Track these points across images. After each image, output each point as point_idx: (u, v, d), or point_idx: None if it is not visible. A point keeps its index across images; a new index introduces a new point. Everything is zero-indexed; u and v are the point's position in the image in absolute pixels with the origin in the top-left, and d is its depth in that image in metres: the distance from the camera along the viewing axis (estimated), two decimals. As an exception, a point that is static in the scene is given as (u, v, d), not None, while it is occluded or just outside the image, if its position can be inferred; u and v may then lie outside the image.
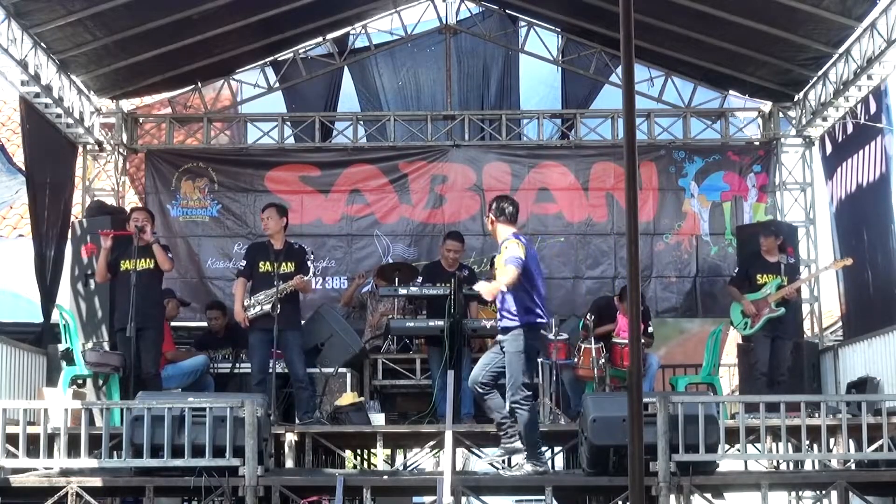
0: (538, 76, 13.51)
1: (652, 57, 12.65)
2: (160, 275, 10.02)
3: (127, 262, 9.68)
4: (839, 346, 11.64)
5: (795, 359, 11.38)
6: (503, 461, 8.40)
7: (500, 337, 8.06)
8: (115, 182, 12.96)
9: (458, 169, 13.04)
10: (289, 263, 9.67)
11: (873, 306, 11.14)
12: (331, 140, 13.31)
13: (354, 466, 12.79)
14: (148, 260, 9.74)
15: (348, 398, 9.89)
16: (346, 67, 13.40)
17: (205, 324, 11.86)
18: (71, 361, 10.10)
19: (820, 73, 11.89)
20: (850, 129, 11.65)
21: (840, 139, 11.94)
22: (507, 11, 13.35)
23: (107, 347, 10.62)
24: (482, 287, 8.13)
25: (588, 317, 10.38)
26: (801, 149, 13.13)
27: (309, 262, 9.78)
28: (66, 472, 8.05)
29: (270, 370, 9.50)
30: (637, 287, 4.72)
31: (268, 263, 9.66)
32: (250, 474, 7.76)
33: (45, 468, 8.19)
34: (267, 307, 9.48)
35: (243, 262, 9.94)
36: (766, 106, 13.06)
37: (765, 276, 10.68)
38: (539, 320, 8.07)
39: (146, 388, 9.25)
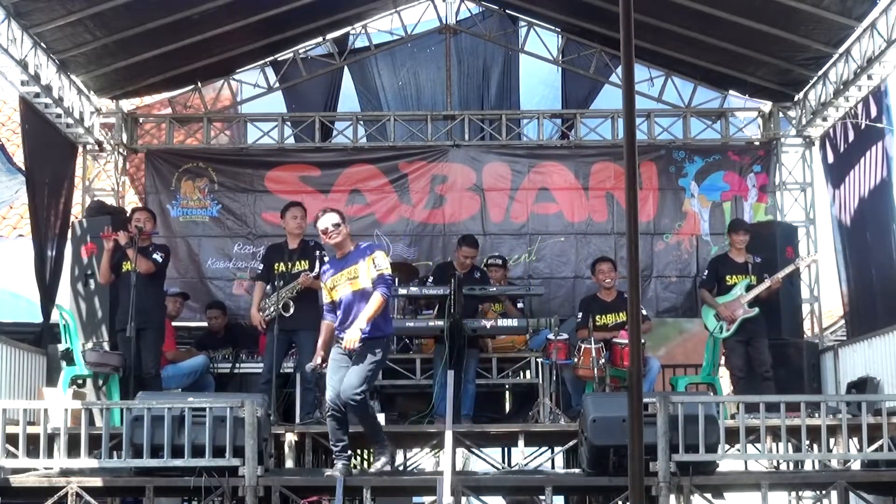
0: (538, 76, 13.51)
1: (652, 57, 12.65)
2: (161, 276, 10.05)
3: (128, 262, 9.72)
4: (839, 346, 11.63)
5: (795, 359, 11.39)
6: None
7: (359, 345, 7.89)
8: (115, 182, 12.95)
9: (458, 169, 13.03)
10: (302, 262, 9.68)
11: (878, 306, 11.14)
12: (331, 140, 13.30)
13: (354, 466, 12.77)
14: (145, 263, 9.81)
15: (348, 398, 9.88)
16: (346, 67, 13.40)
17: (205, 324, 11.88)
18: (71, 361, 10.10)
19: (820, 73, 11.89)
20: (851, 134, 11.63)
21: (842, 145, 11.91)
22: (507, 11, 13.34)
23: (107, 347, 10.62)
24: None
25: (579, 317, 10.52)
26: (801, 149, 13.12)
27: (324, 257, 9.77)
28: (66, 472, 8.06)
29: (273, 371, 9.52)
30: (637, 287, 4.71)
31: (281, 264, 9.69)
32: (250, 474, 7.76)
33: (45, 468, 8.20)
34: (280, 308, 9.50)
35: (260, 266, 10.00)
36: (766, 106, 13.06)
37: (734, 277, 10.70)
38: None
39: (146, 388, 9.28)
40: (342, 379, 7.89)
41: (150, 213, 10.35)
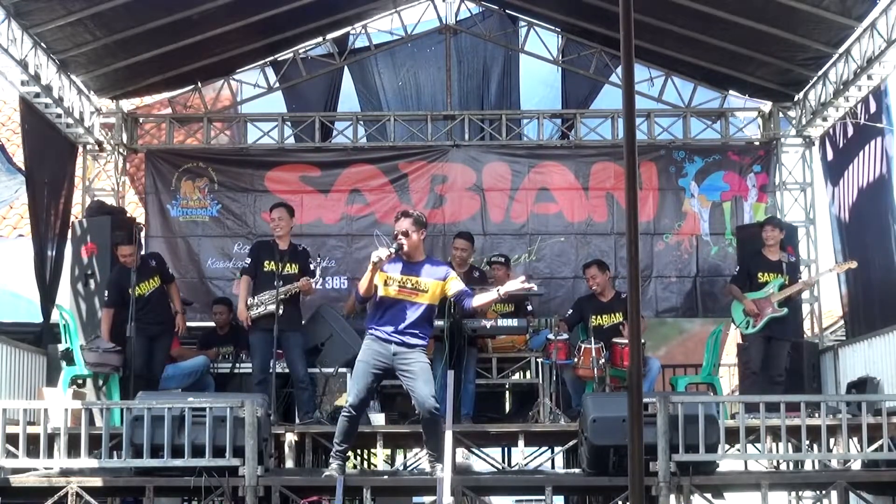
0: (538, 76, 13.51)
1: (652, 57, 12.65)
2: (164, 284, 10.31)
3: (141, 286, 10.02)
4: (839, 346, 11.63)
5: (795, 359, 11.36)
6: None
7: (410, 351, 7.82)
8: (115, 182, 12.96)
9: (458, 169, 13.04)
10: (293, 265, 9.72)
11: (876, 306, 11.14)
12: (331, 140, 13.31)
13: (354, 466, 12.79)
14: (153, 279, 10.15)
15: (348, 398, 9.90)
16: (346, 67, 13.40)
17: (206, 323, 11.91)
18: (71, 361, 10.12)
19: (820, 73, 11.89)
20: (850, 131, 11.63)
21: (841, 143, 11.91)
22: (507, 11, 13.34)
23: (107, 346, 10.61)
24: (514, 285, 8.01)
25: (567, 314, 10.56)
26: (801, 149, 13.12)
27: (312, 265, 9.84)
28: (66, 472, 8.06)
29: (271, 370, 9.51)
30: (637, 287, 4.72)
31: (272, 263, 9.69)
32: (250, 474, 7.76)
33: (45, 468, 8.20)
34: (271, 307, 9.49)
35: (248, 261, 9.99)
36: (766, 106, 13.06)
37: (766, 274, 10.58)
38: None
39: (154, 389, 9.43)
40: (368, 386, 7.83)
41: (130, 248, 10.21)
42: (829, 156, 12.32)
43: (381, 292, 7.81)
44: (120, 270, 10.24)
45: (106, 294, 10.36)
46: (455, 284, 7.90)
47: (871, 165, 11.13)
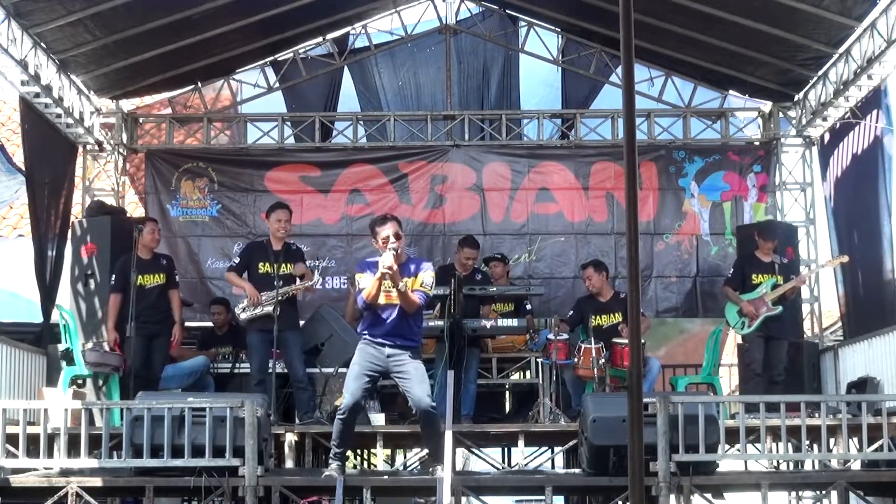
0: (538, 76, 13.51)
1: (652, 57, 12.65)
2: (168, 288, 10.27)
3: (144, 277, 10.00)
4: (839, 346, 11.64)
5: (795, 359, 11.37)
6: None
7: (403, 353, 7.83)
8: (115, 182, 12.96)
9: (458, 169, 13.04)
10: (288, 265, 9.71)
11: (871, 306, 11.14)
12: (331, 140, 13.31)
13: (354, 466, 12.79)
14: (159, 275, 10.11)
15: (348, 398, 9.89)
16: (346, 67, 13.40)
17: (206, 324, 11.90)
18: (71, 361, 10.12)
19: (820, 73, 11.89)
20: (850, 133, 11.61)
21: (841, 143, 11.89)
22: (507, 11, 13.35)
23: (106, 347, 10.62)
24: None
25: (568, 315, 10.54)
26: (801, 149, 13.12)
27: (308, 264, 9.85)
28: (66, 472, 8.06)
29: (270, 370, 9.52)
30: (637, 287, 4.72)
31: (267, 265, 9.68)
32: (250, 474, 7.76)
33: (45, 468, 8.20)
34: (268, 308, 9.49)
35: (237, 260, 10.01)
36: (766, 106, 13.06)
37: (760, 275, 10.63)
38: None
39: (153, 389, 9.41)
40: (363, 387, 7.83)
41: (153, 224, 10.40)
42: (828, 157, 12.32)
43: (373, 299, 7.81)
44: (125, 259, 10.19)
45: (112, 279, 10.30)
46: (422, 282, 7.83)
47: (867, 164, 11.14)
